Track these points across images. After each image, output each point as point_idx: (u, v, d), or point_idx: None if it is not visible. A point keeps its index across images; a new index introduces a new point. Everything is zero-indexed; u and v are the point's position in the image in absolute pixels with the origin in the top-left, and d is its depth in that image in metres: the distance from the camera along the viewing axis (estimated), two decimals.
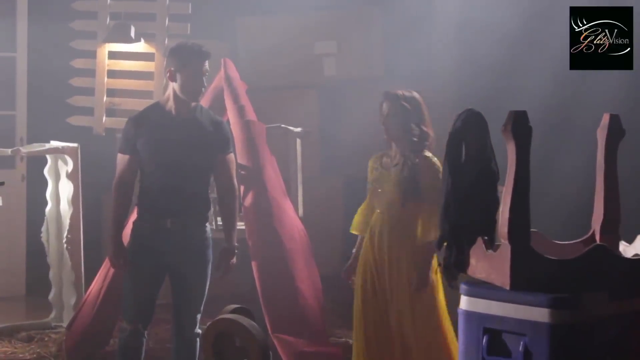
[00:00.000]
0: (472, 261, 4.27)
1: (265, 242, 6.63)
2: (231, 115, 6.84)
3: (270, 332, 6.40)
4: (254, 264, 6.55)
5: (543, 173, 6.98)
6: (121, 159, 5.52)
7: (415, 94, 5.62)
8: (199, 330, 5.47)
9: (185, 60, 5.44)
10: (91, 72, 8.46)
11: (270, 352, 4.20)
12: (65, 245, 7.50)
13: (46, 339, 7.32)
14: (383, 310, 5.57)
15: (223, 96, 6.90)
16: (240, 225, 7.00)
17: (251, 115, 6.92)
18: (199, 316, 5.51)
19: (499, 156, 4.53)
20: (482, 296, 4.13)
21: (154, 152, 5.41)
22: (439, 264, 4.59)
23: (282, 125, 7.64)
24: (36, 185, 8.26)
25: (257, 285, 6.52)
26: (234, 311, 4.27)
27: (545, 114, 7.76)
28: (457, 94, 8.78)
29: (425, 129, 5.52)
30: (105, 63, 8.43)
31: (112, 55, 8.45)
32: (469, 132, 4.36)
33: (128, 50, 8.47)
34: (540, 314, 3.93)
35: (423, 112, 5.58)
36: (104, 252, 7.84)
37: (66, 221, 7.51)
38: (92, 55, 8.45)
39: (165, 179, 5.37)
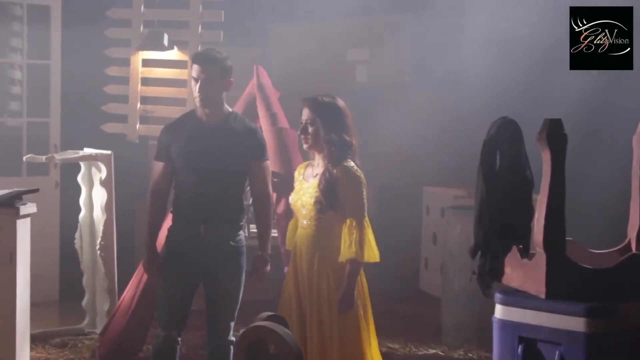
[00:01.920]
0: (507, 269, 4.26)
1: None
2: (263, 122, 6.85)
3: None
4: (286, 270, 6.54)
5: (578, 181, 6.95)
6: (156, 166, 5.55)
7: (337, 100, 5.19)
8: (232, 338, 5.47)
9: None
10: (125, 80, 8.50)
11: None
12: (98, 252, 7.52)
13: (79, 345, 7.34)
14: (302, 331, 5.14)
15: (255, 103, 6.92)
16: (273, 232, 7.01)
17: (283, 122, 6.93)
18: (232, 323, 5.51)
19: (533, 164, 4.52)
20: (517, 305, 4.12)
21: (187, 159, 5.42)
22: (473, 272, 4.48)
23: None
24: (70, 192, 8.30)
25: None
26: (268, 318, 4.27)
27: (580, 121, 7.71)
28: (489, 101, 8.76)
29: (347, 137, 5.12)
30: (139, 70, 8.47)
31: (146, 62, 8.50)
32: (504, 139, 4.35)
33: (161, 57, 8.51)
34: (576, 323, 3.91)
35: (345, 119, 5.15)
36: (137, 259, 7.88)
37: (99, 228, 7.54)
38: (126, 62, 8.49)
39: (199, 185, 5.38)
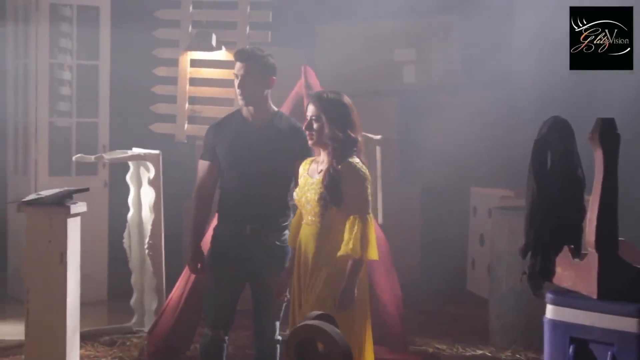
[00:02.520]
0: (558, 270, 4.23)
1: None
2: None
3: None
4: None
5: (631, 180, 6.87)
6: (202, 165, 5.56)
7: (343, 97, 5.09)
8: (278, 337, 5.48)
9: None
10: (173, 80, 8.55)
11: None
12: (146, 251, 7.57)
13: (128, 343, 7.39)
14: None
15: (303, 103, 6.92)
16: None
17: None
18: (278, 323, 5.52)
19: (585, 163, 4.49)
20: (568, 305, 4.09)
21: (232, 159, 5.43)
22: (524, 272, 4.44)
23: (362, 133, 7.62)
24: (118, 192, 8.35)
25: None
26: (317, 318, 4.27)
27: (633, 120, 7.63)
28: (538, 101, 8.71)
29: (352, 134, 5.01)
30: (187, 71, 8.52)
31: (194, 63, 8.54)
32: (555, 138, 4.32)
33: (209, 58, 8.55)
34: (628, 324, 3.88)
35: (350, 116, 5.04)
36: (184, 258, 7.89)
37: (148, 227, 7.58)
38: (175, 63, 8.54)
39: (244, 185, 5.38)
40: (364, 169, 4.97)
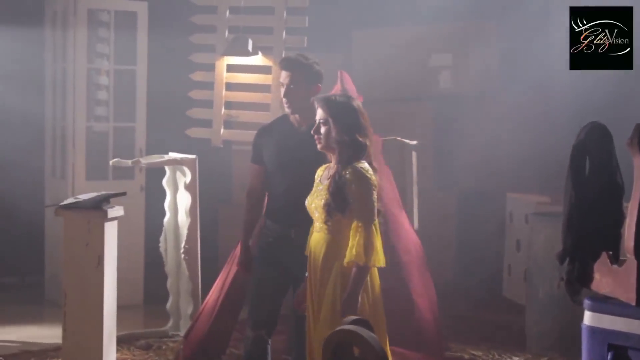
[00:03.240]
0: (596, 276, 4.20)
1: None
2: None
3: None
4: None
5: None
6: (251, 168, 5.65)
7: (352, 100, 5.01)
8: None
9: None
10: (209, 85, 8.57)
11: None
12: (182, 255, 7.59)
13: (164, 347, 7.41)
14: (311, 335, 5.02)
15: None
16: None
17: None
18: None
19: (623, 170, 4.45)
20: (606, 312, 4.06)
21: (277, 164, 5.48)
22: (561, 278, 4.41)
23: (398, 138, 7.64)
24: (155, 196, 8.39)
25: None
26: (353, 322, 4.26)
27: None
28: (575, 106, 8.66)
29: (360, 138, 4.88)
30: (224, 76, 8.54)
31: (230, 68, 8.56)
32: (593, 144, 4.29)
33: (246, 63, 8.57)
34: None
35: (359, 120, 4.92)
36: (220, 262, 7.93)
37: (184, 231, 7.61)
38: (211, 68, 8.56)
39: (289, 190, 5.41)
40: (371, 174, 4.86)
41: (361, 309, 4.84)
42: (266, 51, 8.48)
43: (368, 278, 4.88)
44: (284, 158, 5.43)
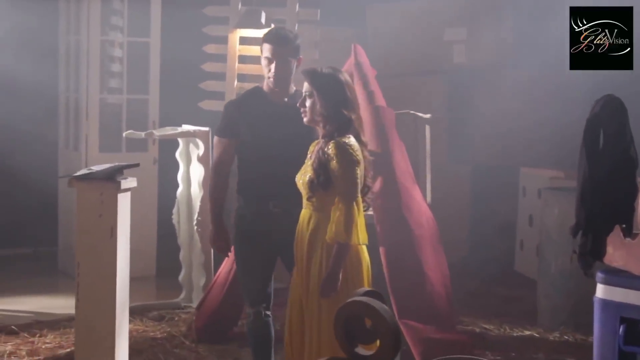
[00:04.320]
0: (609, 249, 4.20)
1: (394, 228, 6.62)
2: (361, 100, 6.82)
3: (397, 317, 6.39)
4: (381, 250, 6.55)
5: None
6: (219, 142, 5.55)
7: (339, 73, 4.91)
8: None
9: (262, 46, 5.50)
10: (222, 58, 8.56)
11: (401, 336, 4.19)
12: (195, 228, 7.61)
13: (176, 318, 7.45)
14: (298, 311, 5.01)
15: (353, 82, 6.89)
16: (370, 211, 7.00)
17: (380, 101, 6.92)
18: None
19: (638, 143, 4.44)
20: (619, 285, 4.05)
21: (253, 136, 5.41)
22: (574, 252, 4.39)
23: (411, 112, 7.62)
24: (168, 168, 8.41)
25: (384, 270, 6.52)
26: (365, 294, 4.27)
27: None
28: (590, 80, 8.60)
29: (345, 112, 4.81)
30: (237, 48, 8.52)
31: (243, 40, 8.54)
32: (608, 118, 4.27)
33: (259, 35, 8.51)
34: None
35: (345, 93, 4.84)
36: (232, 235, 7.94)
37: (197, 204, 7.62)
38: (224, 40, 8.55)
39: (265, 163, 5.35)
40: (354, 149, 4.79)
41: (345, 287, 4.79)
42: (279, 24, 8.45)
43: (354, 255, 4.83)
44: (260, 130, 5.37)
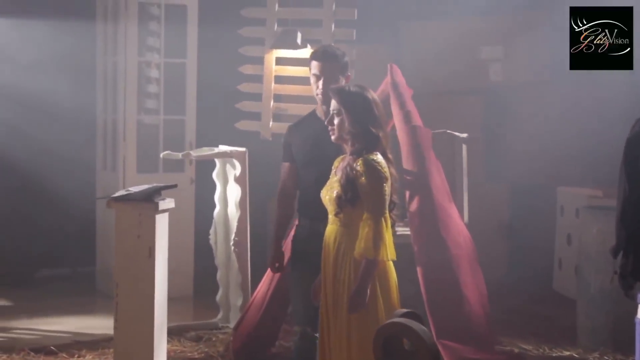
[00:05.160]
0: None
1: (431, 248, 6.60)
2: (397, 120, 6.84)
3: (435, 337, 6.36)
4: (419, 269, 6.53)
5: None
6: (283, 166, 5.65)
7: (366, 91, 4.92)
8: None
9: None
10: (259, 78, 8.60)
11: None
12: (232, 248, 7.61)
13: (214, 339, 7.45)
14: (326, 326, 5.00)
15: (389, 101, 6.91)
16: (406, 230, 6.99)
17: (417, 120, 6.90)
18: None
19: None
20: None
21: (306, 157, 5.46)
22: (615, 272, 4.35)
23: (448, 131, 7.61)
24: (204, 189, 8.43)
25: (422, 290, 6.50)
26: (403, 315, 4.26)
27: None
28: (629, 99, 8.56)
29: (373, 130, 4.83)
30: (273, 69, 8.56)
31: (279, 61, 8.58)
32: None
33: (295, 56, 8.58)
34: None
35: (372, 110, 4.87)
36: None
37: (234, 224, 7.63)
38: (260, 61, 8.59)
39: (318, 184, 5.36)
40: (382, 166, 4.81)
41: (374, 302, 4.79)
42: (315, 44, 8.46)
43: (381, 271, 4.83)
44: (313, 152, 5.40)
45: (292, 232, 5.75)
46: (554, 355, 7.25)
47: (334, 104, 4.93)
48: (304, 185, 5.53)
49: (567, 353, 7.29)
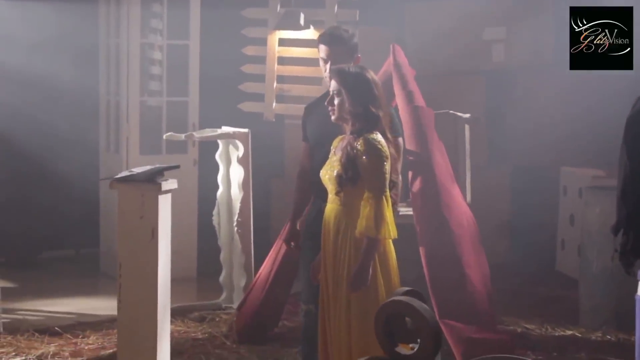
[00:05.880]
0: None
1: (433, 228, 6.60)
2: (400, 101, 6.84)
3: (437, 317, 6.38)
4: (421, 250, 6.54)
5: None
6: (302, 146, 5.70)
7: (366, 71, 4.95)
8: None
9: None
10: (262, 59, 8.59)
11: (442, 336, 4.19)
12: (235, 229, 7.64)
13: (217, 319, 7.48)
14: (326, 305, 5.03)
15: (392, 82, 6.90)
16: (408, 210, 7.01)
17: (420, 101, 6.90)
18: None
19: None
20: None
21: (318, 137, 5.48)
22: (615, 250, 4.36)
23: (451, 112, 7.60)
24: (208, 170, 8.45)
25: (424, 270, 6.51)
26: (405, 293, 4.28)
27: None
28: (632, 79, 8.53)
29: (373, 109, 4.88)
30: (276, 50, 8.55)
31: (282, 42, 8.57)
32: None
33: (298, 37, 8.57)
34: None
35: (372, 90, 4.91)
36: (273, 236, 7.97)
37: (237, 205, 7.65)
38: (263, 42, 8.58)
39: (324, 163, 5.39)
40: (382, 145, 4.84)
41: (374, 281, 4.82)
42: (318, 25, 8.47)
43: (382, 250, 4.86)
44: (324, 131, 5.41)
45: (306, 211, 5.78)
46: (556, 334, 7.28)
47: (333, 84, 4.96)
48: (315, 165, 5.54)
49: (570, 332, 7.32)
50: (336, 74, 4.96)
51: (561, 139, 9.42)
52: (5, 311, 7.39)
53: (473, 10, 9.49)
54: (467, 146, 7.62)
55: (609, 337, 7.14)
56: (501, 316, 7.37)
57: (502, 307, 7.52)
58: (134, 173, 5.81)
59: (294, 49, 8.63)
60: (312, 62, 8.49)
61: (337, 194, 4.92)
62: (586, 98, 9.36)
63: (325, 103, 5.04)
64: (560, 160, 9.41)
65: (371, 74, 4.96)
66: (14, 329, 7.08)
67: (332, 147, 5.09)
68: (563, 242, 9.25)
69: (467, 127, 7.64)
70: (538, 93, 9.46)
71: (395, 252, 5.02)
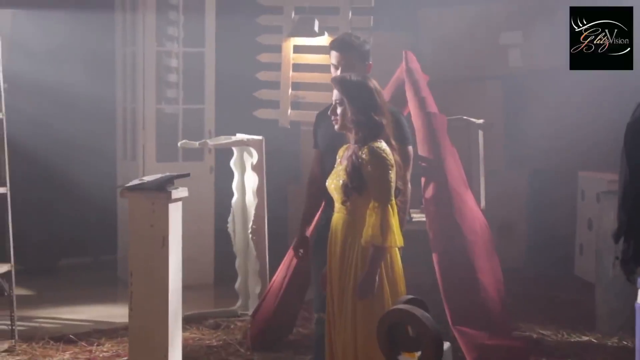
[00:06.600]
0: None
1: (446, 234, 6.59)
2: (412, 107, 6.84)
3: (451, 324, 6.38)
4: (434, 256, 6.53)
5: None
6: (313, 153, 5.70)
7: (367, 80, 4.95)
8: None
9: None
10: (276, 66, 8.61)
11: (444, 344, 4.18)
12: (250, 236, 7.66)
13: (232, 326, 7.50)
14: (332, 313, 5.02)
15: (404, 88, 6.91)
16: (421, 216, 7.00)
17: (432, 107, 6.89)
18: None
19: None
20: None
21: (328, 144, 5.47)
22: (616, 257, 4.34)
23: (464, 117, 7.59)
24: (224, 177, 8.47)
25: (437, 276, 6.50)
26: (408, 302, 4.27)
27: None
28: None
29: (376, 117, 4.86)
30: (290, 57, 8.56)
31: (297, 49, 8.58)
32: None
33: (312, 44, 8.57)
34: None
35: (374, 99, 4.89)
36: (288, 242, 7.98)
37: (251, 212, 7.67)
38: (278, 49, 8.59)
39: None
40: (387, 153, 4.84)
41: (381, 289, 4.81)
42: (332, 31, 8.47)
43: (388, 258, 4.85)
44: (334, 140, 5.43)
45: (316, 219, 5.78)
46: (572, 340, 7.24)
47: (336, 93, 4.95)
48: (325, 172, 5.54)
49: (586, 338, 7.27)
50: (337, 83, 4.96)
51: (579, 143, 9.38)
52: (22, 319, 7.44)
53: (488, 15, 9.49)
54: (481, 152, 7.61)
55: (625, 342, 7.09)
56: (517, 322, 7.34)
57: (519, 312, 7.50)
58: (144, 181, 5.83)
59: (309, 56, 8.64)
60: (327, 68, 8.40)
61: (343, 203, 4.92)
62: (604, 102, 9.32)
63: (329, 113, 5.04)
64: (578, 165, 9.38)
65: (373, 82, 4.95)
66: (30, 336, 7.12)
67: (337, 157, 5.10)
68: (581, 247, 9.21)
69: (480, 132, 7.63)
70: (555, 97, 9.42)
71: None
